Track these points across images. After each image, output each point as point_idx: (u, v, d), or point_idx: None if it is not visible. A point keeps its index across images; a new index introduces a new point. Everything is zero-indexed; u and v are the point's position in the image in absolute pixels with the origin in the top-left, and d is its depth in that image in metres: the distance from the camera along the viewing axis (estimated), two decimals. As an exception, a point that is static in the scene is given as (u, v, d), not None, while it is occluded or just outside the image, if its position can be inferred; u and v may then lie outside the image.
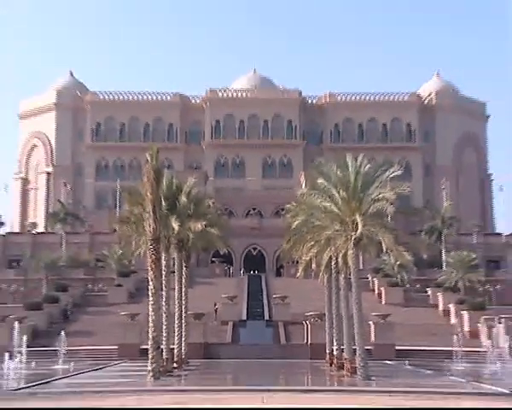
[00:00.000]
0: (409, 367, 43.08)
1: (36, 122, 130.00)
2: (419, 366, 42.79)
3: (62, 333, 46.94)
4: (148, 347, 33.96)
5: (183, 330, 44.42)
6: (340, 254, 35.50)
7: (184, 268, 45.03)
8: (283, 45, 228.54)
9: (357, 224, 32.76)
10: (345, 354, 37.50)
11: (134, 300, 69.89)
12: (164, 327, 38.28)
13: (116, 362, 47.73)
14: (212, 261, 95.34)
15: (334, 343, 41.46)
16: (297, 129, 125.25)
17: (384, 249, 34.50)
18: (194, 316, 52.69)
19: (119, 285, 74.96)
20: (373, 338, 52.23)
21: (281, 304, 62.11)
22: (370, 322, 52.32)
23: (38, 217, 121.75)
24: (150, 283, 34.32)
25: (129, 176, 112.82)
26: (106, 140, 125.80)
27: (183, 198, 40.47)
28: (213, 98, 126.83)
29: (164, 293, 38.39)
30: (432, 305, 71.42)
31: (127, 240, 40.81)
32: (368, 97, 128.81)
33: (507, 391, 26.34)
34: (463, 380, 32.63)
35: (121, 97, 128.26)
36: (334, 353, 41.46)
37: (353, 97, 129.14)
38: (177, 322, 43.56)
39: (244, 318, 62.59)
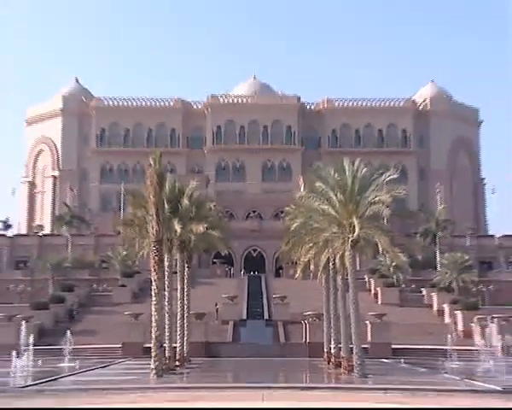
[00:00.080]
0: (404, 365, 43.04)
1: (42, 128, 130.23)
2: (414, 364, 42.76)
3: (68, 332, 46.93)
4: (152, 345, 33.94)
5: (185, 329, 44.41)
6: (338, 256, 35.51)
7: (186, 269, 45.02)
8: (282, 52, 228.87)
9: (354, 226, 32.78)
10: (342, 353, 37.47)
11: (137, 300, 69.82)
12: (166, 326, 38.25)
13: (120, 360, 47.69)
14: (214, 262, 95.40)
15: (332, 342, 41.43)
16: (296, 134, 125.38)
17: (380, 251, 34.49)
18: (196, 316, 52.67)
19: (123, 286, 74.93)
20: (369, 337, 52.21)
21: (280, 304, 62.07)
22: (367, 321, 52.33)
23: (45, 219, 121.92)
24: (153, 283, 34.33)
25: (133, 180, 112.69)
26: (110, 145, 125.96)
27: (186, 201, 40.51)
28: (214, 104, 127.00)
29: (166, 293, 38.36)
30: (426, 305, 71.37)
31: (131, 242, 40.85)
32: (364, 104, 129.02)
33: (499, 388, 26.34)
34: (457, 378, 32.62)
35: (125, 104, 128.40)
36: (332, 351, 41.45)
37: (350, 103, 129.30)
38: (179, 321, 43.53)
39: (244, 317, 62.53)
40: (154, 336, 33.74)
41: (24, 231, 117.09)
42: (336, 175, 35.03)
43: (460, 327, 60.01)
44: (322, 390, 27.28)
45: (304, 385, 30.72)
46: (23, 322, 48.15)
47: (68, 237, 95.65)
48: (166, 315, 38.02)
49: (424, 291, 74.20)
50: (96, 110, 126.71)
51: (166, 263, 38.59)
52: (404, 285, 77.35)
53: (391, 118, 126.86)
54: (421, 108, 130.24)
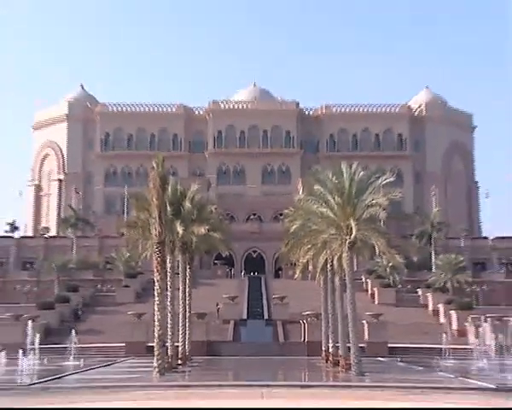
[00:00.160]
0: (400, 364, 42.97)
1: (48, 133, 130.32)
2: (410, 362, 42.70)
3: (73, 331, 46.95)
4: (154, 344, 33.92)
5: (187, 328, 44.35)
6: (336, 257, 35.48)
7: (188, 270, 44.98)
8: (282, 59, 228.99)
9: (351, 228, 32.76)
10: (340, 352, 37.43)
11: (140, 300, 69.77)
12: (169, 326, 38.19)
13: (124, 359, 47.64)
14: (215, 263, 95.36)
15: (330, 341, 41.40)
16: (295, 139, 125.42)
17: (377, 252, 34.47)
18: (198, 315, 52.63)
19: (127, 286, 74.88)
20: (366, 336, 52.17)
21: (279, 304, 62.00)
22: (364, 321, 52.25)
23: (51, 222, 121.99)
24: (156, 284, 34.32)
25: (136, 183, 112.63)
26: (114, 149, 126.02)
27: (187, 204, 40.46)
28: (216, 110, 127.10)
29: (169, 293, 38.31)
30: (422, 305, 71.34)
31: (134, 243, 40.76)
32: (361, 109, 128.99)
33: (493, 386, 26.31)
34: (452, 376, 32.56)
35: (129, 109, 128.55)
36: (330, 350, 41.40)
37: (347, 109, 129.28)
38: (181, 321, 43.45)
39: (245, 317, 62.44)
40: (156, 335, 33.73)
41: (30, 233, 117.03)
42: (334, 178, 35.01)
43: (454, 326, 59.96)
44: (320, 388, 27.25)
45: (302, 383, 30.67)
46: (29, 321, 48.06)
47: (73, 239, 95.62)
48: (169, 315, 37.96)
49: (420, 291, 74.21)
50: (100, 115, 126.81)
51: (169, 264, 38.57)
52: (400, 286, 77.30)
53: (387, 123, 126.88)
54: (416, 113, 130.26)
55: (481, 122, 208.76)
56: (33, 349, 41.40)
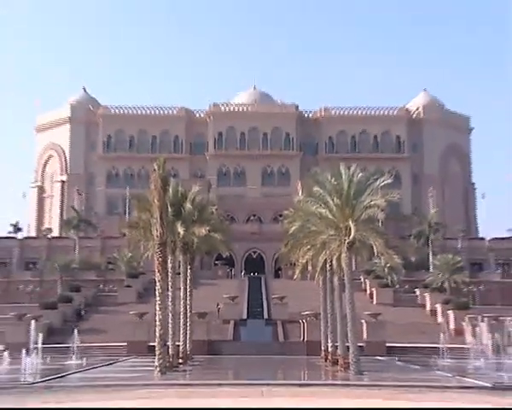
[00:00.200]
0: (398, 363, 42.99)
1: (51, 135, 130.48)
2: (408, 361, 42.71)
3: (75, 331, 46.97)
4: (156, 344, 33.93)
5: (188, 328, 44.34)
6: (335, 257, 35.49)
7: (189, 270, 44.98)
8: (282, 62, 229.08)
9: (350, 229, 32.77)
10: (339, 351, 37.41)
11: (142, 300, 69.71)
12: (170, 325, 38.17)
13: (125, 358, 47.64)
14: (215, 264, 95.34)
15: (329, 341, 41.38)
16: (294, 141, 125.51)
17: (375, 253, 34.47)
18: (198, 315, 52.62)
19: (129, 286, 74.79)
20: (365, 336, 52.13)
21: (279, 304, 61.97)
22: (363, 321, 52.21)
23: (53, 222, 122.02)
24: (157, 284, 34.32)
25: (138, 184, 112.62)
26: (116, 151, 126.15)
27: (188, 205, 40.45)
28: (216, 112, 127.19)
29: (170, 293, 38.33)
30: (420, 305, 71.26)
31: (136, 244, 40.79)
32: (360, 111, 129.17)
33: (490, 385, 26.32)
34: (449, 375, 32.58)
35: (130, 112, 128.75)
36: (329, 349, 41.40)
37: (346, 112, 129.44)
38: (182, 320, 43.47)
39: (245, 317, 62.39)
40: (158, 334, 33.73)
41: (33, 234, 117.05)
42: (333, 180, 35.03)
43: (452, 326, 59.94)
44: (319, 387, 27.24)
45: (302, 382, 30.67)
46: (32, 321, 47.94)
47: (76, 240, 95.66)
48: (170, 315, 37.97)
49: (417, 291, 74.12)
50: (102, 118, 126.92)
51: (170, 264, 38.56)
52: (398, 286, 77.23)
53: (385, 125, 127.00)
54: (414, 115, 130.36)
55: (479, 123, 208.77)
56: (36, 348, 41.34)
